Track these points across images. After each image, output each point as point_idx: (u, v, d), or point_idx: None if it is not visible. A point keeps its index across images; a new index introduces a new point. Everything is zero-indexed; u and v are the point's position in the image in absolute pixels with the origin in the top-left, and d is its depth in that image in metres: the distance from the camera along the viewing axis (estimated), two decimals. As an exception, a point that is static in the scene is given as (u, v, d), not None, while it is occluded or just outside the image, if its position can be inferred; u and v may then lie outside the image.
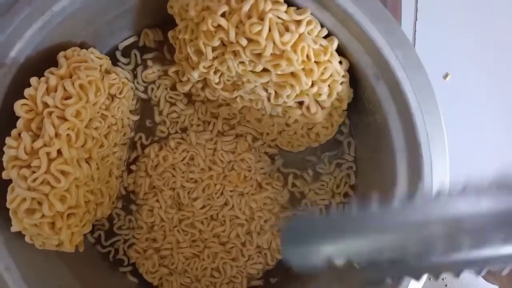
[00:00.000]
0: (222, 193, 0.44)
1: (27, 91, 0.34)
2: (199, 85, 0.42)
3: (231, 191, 0.44)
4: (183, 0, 0.36)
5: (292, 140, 0.43)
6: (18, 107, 0.34)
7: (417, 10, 0.54)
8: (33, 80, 0.34)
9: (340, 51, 0.36)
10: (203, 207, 0.44)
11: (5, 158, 0.33)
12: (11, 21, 0.34)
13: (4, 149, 0.33)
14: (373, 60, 0.34)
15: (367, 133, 0.42)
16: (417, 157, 0.33)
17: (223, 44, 0.35)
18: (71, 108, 0.34)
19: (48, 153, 0.33)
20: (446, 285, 0.58)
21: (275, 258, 0.46)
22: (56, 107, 0.34)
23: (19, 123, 0.34)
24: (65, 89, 0.34)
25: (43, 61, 0.37)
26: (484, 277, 0.49)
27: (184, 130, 0.46)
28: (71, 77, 0.35)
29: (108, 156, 0.41)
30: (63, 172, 0.34)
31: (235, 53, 0.35)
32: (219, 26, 0.34)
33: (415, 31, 0.54)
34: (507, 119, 0.53)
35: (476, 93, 0.53)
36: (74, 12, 0.35)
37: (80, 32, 0.38)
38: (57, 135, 0.33)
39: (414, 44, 0.55)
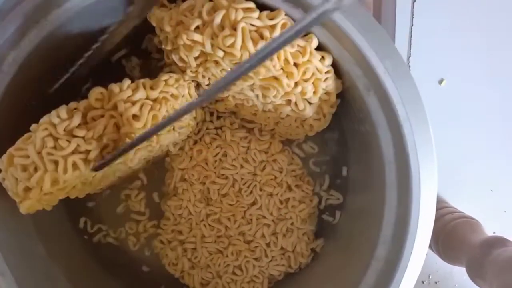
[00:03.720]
0: (251, 192, 0.45)
1: (117, 86, 0.34)
2: (193, 84, 0.42)
3: (260, 190, 0.45)
4: (159, 13, 0.36)
5: (289, 130, 0.43)
6: (93, 93, 0.34)
7: (413, 15, 0.54)
8: (126, 81, 0.34)
9: (321, 46, 0.36)
10: (232, 204, 0.45)
11: (44, 119, 0.32)
12: (5, 29, 0.34)
13: (51, 114, 0.33)
14: (363, 71, 0.34)
15: (359, 143, 0.42)
16: (405, 167, 0.34)
17: (204, 52, 0.35)
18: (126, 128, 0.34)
19: (78, 145, 0.32)
20: (438, 288, 0.58)
21: (298, 262, 0.46)
22: (121, 116, 0.34)
23: (82, 104, 0.34)
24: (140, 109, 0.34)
25: (38, 68, 0.37)
26: (475, 282, 0.50)
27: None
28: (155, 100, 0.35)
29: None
30: (74, 165, 0.33)
31: (216, 62, 0.35)
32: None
33: (411, 37, 0.55)
34: (502, 125, 0.53)
35: (471, 99, 0.54)
36: (68, 21, 0.35)
37: (75, 40, 0.39)
38: (98, 138, 0.33)
39: (410, 49, 0.55)
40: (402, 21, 0.54)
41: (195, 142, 0.46)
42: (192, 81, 0.41)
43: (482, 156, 0.54)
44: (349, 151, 0.46)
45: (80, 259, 0.44)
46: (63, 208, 0.45)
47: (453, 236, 0.53)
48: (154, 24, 0.37)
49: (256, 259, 0.45)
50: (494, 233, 0.55)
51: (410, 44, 0.54)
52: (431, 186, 0.33)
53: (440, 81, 0.54)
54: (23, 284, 0.36)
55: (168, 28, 0.35)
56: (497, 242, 0.48)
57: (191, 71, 0.38)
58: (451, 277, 0.57)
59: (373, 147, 0.37)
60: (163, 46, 0.38)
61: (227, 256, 0.45)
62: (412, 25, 0.54)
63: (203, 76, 0.38)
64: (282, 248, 0.45)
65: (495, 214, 0.56)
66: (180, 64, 0.38)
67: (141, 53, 0.46)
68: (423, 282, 0.57)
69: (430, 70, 0.54)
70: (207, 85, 0.39)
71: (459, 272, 0.57)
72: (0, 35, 0.34)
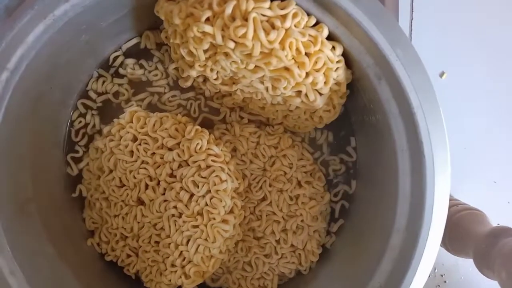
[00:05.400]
0: (261, 188, 0.44)
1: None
2: (200, 79, 0.42)
3: (270, 186, 0.44)
4: (168, 6, 0.36)
5: (297, 123, 0.43)
6: None
7: (413, 9, 0.54)
8: None
9: (332, 36, 0.36)
10: (241, 199, 0.43)
11: None
12: (13, 25, 0.34)
13: None
14: (374, 60, 0.34)
15: (368, 133, 0.42)
16: (419, 155, 0.33)
17: (214, 45, 0.35)
18: None
19: None
20: (445, 281, 0.58)
21: (309, 260, 0.45)
22: None
23: None
24: None
25: (46, 64, 0.37)
26: (483, 273, 0.50)
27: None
28: None
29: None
30: None
31: (226, 54, 0.35)
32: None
33: (411, 30, 0.55)
34: (503, 118, 0.54)
35: (472, 92, 0.54)
36: (75, 16, 0.35)
37: (81, 36, 0.38)
38: None
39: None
40: (403, 14, 0.54)
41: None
42: (199, 76, 0.41)
43: (484, 148, 0.54)
44: (358, 144, 0.46)
45: (89, 259, 0.43)
46: (73, 210, 0.44)
47: (459, 228, 0.53)
48: (162, 17, 0.37)
49: (266, 255, 0.45)
50: (498, 224, 0.55)
51: (411, 37, 0.55)
52: (445, 171, 0.33)
53: (441, 74, 0.54)
54: (32, 283, 0.36)
55: (177, 21, 0.34)
56: (503, 232, 0.49)
57: (199, 65, 0.38)
58: (457, 269, 0.57)
59: (384, 137, 0.37)
60: (171, 41, 0.38)
61: (237, 252, 0.45)
62: (412, 18, 0.54)
63: (212, 70, 0.38)
64: (292, 245, 0.45)
65: (498, 206, 0.56)
66: (188, 58, 0.38)
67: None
68: (429, 276, 0.58)
69: (431, 64, 0.54)
70: (215, 79, 0.39)
71: (465, 265, 0.57)
72: (7, 32, 0.34)
